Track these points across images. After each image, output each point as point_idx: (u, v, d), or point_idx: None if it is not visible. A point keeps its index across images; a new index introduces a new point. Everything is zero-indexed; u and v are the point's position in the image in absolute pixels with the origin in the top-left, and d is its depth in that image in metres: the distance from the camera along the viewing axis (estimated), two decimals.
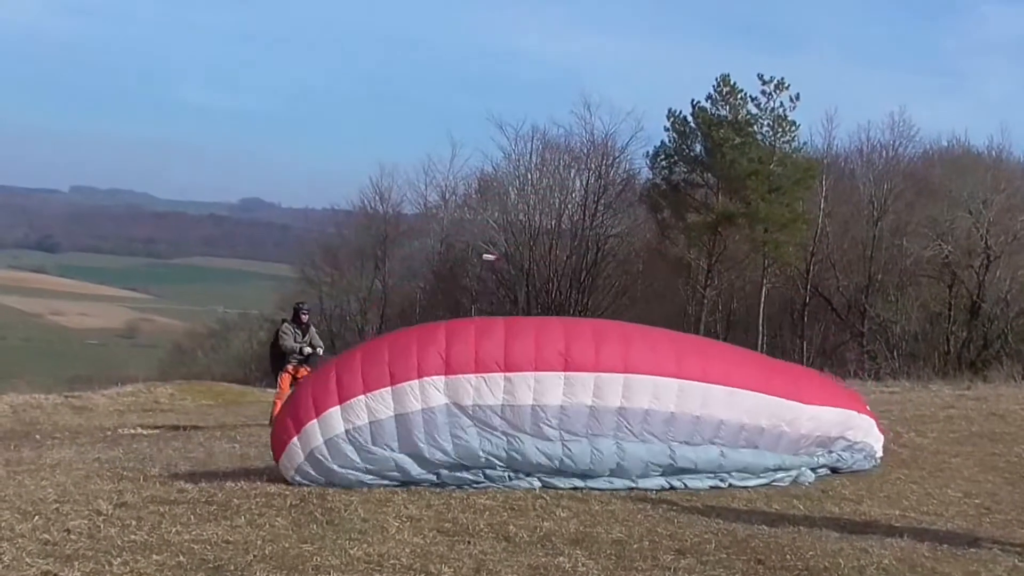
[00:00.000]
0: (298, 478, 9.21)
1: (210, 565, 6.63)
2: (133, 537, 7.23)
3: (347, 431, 9.13)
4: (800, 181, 43.05)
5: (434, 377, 9.21)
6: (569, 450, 9.34)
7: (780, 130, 43.52)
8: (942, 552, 7.49)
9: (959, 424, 15.00)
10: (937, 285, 44.07)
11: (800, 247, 43.87)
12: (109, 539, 7.18)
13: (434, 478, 9.24)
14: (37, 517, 7.77)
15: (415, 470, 9.19)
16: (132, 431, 15.09)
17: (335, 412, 9.16)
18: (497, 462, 9.25)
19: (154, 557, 6.75)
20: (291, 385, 15.39)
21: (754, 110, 43.77)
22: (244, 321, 62.62)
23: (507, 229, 49.10)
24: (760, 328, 43.96)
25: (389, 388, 9.15)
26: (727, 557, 7.17)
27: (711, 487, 9.72)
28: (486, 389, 9.22)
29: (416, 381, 9.18)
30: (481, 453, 9.23)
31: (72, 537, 7.22)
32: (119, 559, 6.69)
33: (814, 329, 46.14)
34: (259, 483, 9.15)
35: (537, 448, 9.30)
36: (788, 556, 7.21)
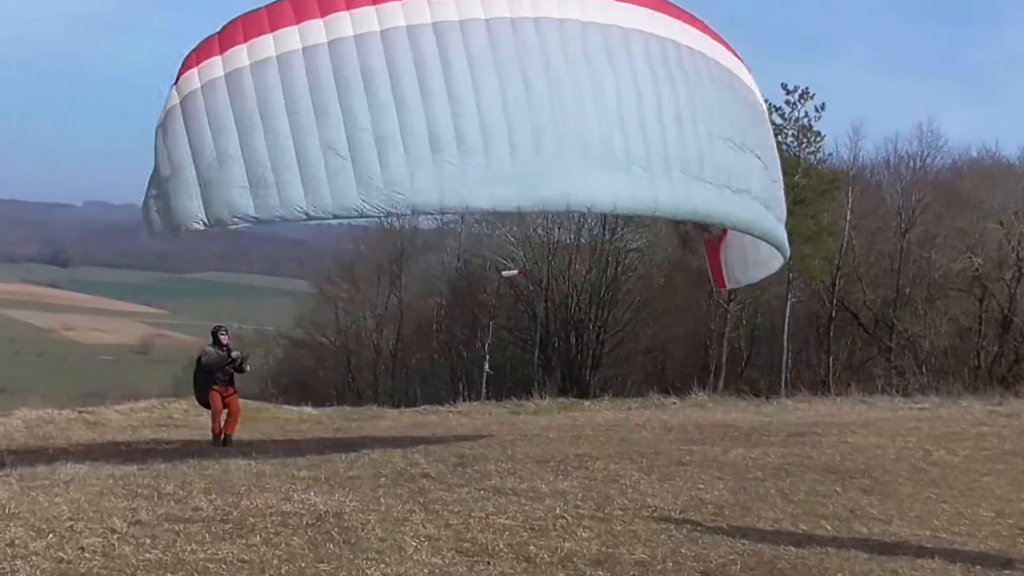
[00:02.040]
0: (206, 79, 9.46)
1: None
2: (148, 556, 7.15)
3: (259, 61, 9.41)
4: (826, 193, 42.58)
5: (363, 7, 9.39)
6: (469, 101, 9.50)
7: (805, 140, 43.06)
8: (975, 574, 7.31)
9: (991, 441, 14.72)
10: (967, 298, 43.43)
11: (826, 260, 43.32)
12: (123, 558, 7.11)
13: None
14: (51, 535, 7.71)
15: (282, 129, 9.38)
16: (146, 447, 15.05)
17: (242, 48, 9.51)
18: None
19: None
20: (222, 403, 15.94)
21: (778, 120, 43.25)
22: (260, 337, 62.06)
23: (525, 244, 48.97)
24: (785, 343, 43.43)
25: (320, 19, 9.42)
26: None
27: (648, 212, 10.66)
28: (414, 9, 9.36)
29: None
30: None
31: (86, 555, 7.16)
32: None
33: (840, 344, 45.59)
34: (275, 501, 9.06)
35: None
36: None
